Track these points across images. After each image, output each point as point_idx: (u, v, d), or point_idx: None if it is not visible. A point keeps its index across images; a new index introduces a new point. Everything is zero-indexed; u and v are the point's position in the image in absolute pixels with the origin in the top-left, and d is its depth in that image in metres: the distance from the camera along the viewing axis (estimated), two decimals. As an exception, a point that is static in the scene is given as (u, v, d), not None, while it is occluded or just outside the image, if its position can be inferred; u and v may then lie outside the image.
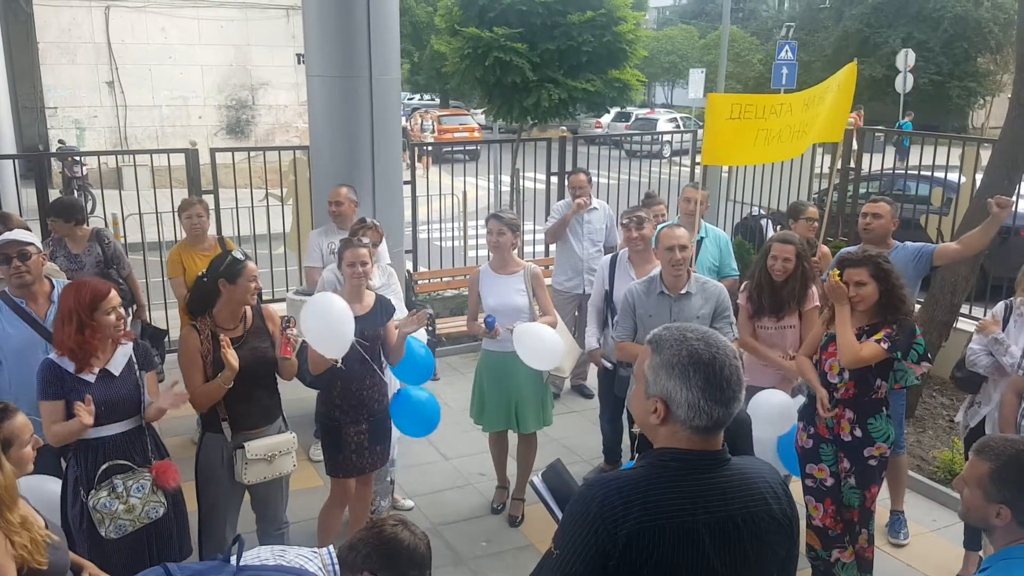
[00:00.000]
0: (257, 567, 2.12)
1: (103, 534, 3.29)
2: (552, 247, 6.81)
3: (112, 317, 3.33)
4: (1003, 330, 4.16)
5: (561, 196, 8.38)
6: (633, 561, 1.74)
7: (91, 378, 3.31)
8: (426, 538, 2.34)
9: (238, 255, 3.73)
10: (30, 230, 4.45)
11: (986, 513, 2.12)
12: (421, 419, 4.51)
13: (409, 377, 4.57)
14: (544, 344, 4.46)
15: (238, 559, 2.12)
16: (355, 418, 4.14)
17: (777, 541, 1.87)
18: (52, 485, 3.43)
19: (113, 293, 3.37)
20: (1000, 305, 4.30)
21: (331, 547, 2.28)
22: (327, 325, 3.83)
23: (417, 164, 8.38)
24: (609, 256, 5.28)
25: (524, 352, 4.44)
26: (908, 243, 4.78)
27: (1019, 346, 4.03)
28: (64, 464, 3.45)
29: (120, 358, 3.42)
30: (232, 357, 3.54)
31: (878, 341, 3.70)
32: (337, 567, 2.22)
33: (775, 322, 4.49)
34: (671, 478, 1.80)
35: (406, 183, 7.22)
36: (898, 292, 3.78)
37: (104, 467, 3.32)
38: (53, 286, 3.95)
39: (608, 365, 5.00)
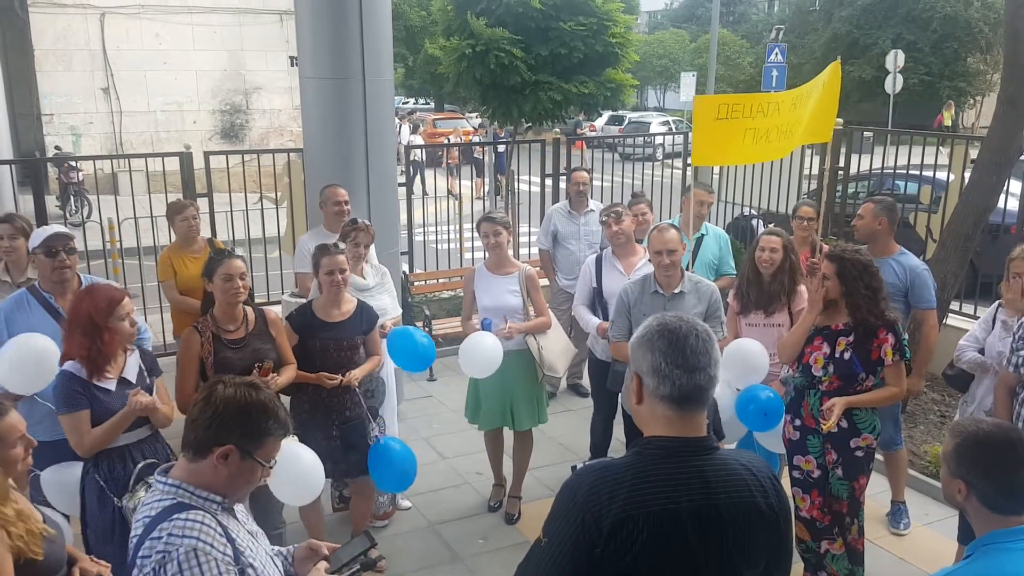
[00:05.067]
0: None
1: None
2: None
3: (127, 324, 3.28)
4: (991, 330, 4.24)
5: (556, 198, 8.43)
6: (618, 549, 1.77)
7: (111, 386, 3.26)
8: (260, 386, 2.17)
9: (222, 251, 3.73)
10: (30, 227, 4.46)
11: (951, 489, 2.14)
12: (398, 473, 4.19)
13: (408, 364, 4.55)
14: (481, 353, 4.48)
15: None
16: (322, 423, 4.11)
17: (762, 534, 1.87)
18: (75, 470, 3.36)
19: (127, 300, 3.31)
20: (993, 306, 4.35)
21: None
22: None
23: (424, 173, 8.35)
24: (593, 256, 5.27)
25: (466, 362, 4.51)
26: (911, 258, 4.76)
27: (1004, 348, 4.08)
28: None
29: (132, 365, 3.39)
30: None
31: (894, 350, 3.78)
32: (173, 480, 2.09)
33: (764, 318, 4.51)
34: (655, 464, 1.83)
35: (401, 185, 7.25)
36: (854, 298, 3.76)
37: (140, 466, 3.24)
38: (82, 282, 3.92)
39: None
